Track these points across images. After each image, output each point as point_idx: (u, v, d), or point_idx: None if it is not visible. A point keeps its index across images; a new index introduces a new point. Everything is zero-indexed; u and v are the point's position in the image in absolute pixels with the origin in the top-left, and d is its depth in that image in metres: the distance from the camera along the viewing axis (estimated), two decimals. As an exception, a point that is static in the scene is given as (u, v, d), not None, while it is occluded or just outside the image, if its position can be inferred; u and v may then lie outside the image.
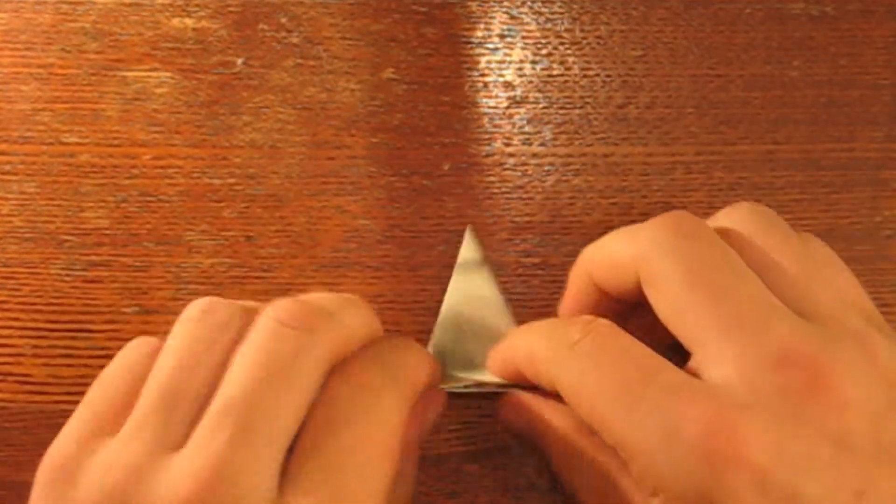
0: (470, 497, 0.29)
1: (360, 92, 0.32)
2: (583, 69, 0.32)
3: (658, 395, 0.20)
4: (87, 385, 0.30)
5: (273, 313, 0.21)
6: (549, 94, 0.32)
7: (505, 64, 0.32)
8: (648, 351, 0.21)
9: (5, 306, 0.31)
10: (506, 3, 0.33)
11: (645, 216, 0.31)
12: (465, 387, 0.27)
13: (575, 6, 0.33)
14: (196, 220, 0.31)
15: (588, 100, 0.32)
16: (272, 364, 0.20)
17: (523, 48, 0.32)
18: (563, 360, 0.22)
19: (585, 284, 0.25)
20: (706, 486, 0.18)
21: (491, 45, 0.32)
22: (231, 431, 0.19)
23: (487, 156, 0.32)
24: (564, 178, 0.32)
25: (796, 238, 0.23)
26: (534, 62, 0.32)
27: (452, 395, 0.27)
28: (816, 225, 0.31)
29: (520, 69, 0.32)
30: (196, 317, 0.22)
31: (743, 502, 0.18)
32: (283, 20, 0.32)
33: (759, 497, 0.18)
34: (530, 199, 0.32)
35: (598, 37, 0.32)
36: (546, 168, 0.32)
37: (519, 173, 0.32)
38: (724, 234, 0.22)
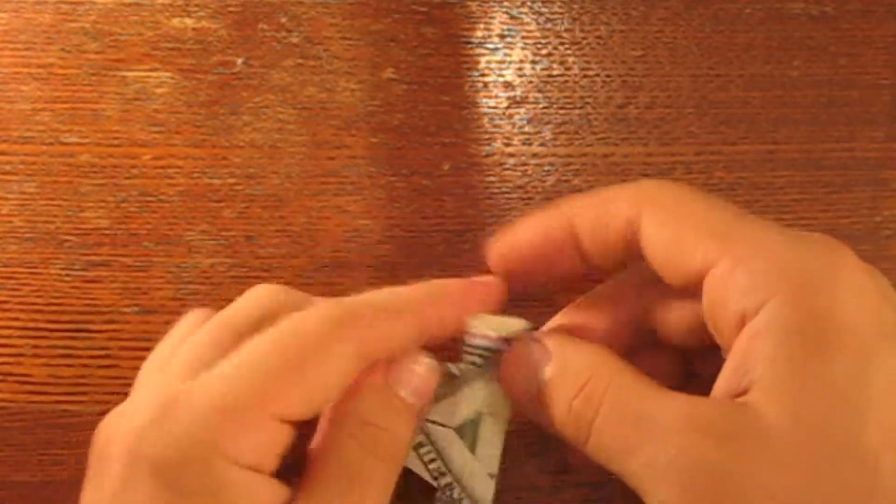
0: (470, 497, 0.29)
1: (360, 92, 0.32)
2: (583, 69, 0.32)
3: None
4: (87, 385, 0.30)
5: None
6: (549, 94, 0.32)
7: (505, 64, 0.32)
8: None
9: (5, 306, 0.31)
10: (506, 3, 0.33)
11: (645, 216, 0.31)
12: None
13: (575, 6, 0.33)
14: (196, 220, 0.31)
15: (588, 100, 0.32)
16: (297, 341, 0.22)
17: (523, 48, 0.32)
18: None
19: (558, 231, 0.24)
20: None
21: (491, 45, 0.32)
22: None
23: (487, 156, 0.32)
24: (564, 178, 0.32)
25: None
26: (534, 62, 0.32)
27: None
28: (816, 225, 0.31)
29: (520, 69, 0.32)
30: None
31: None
32: (283, 20, 0.32)
33: None
34: (530, 199, 0.32)
35: (598, 37, 0.32)
36: (546, 168, 0.32)
37: (519, 173, 0.32)
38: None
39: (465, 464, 0.25)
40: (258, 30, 0.32)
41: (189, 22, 0.33)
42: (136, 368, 0.30)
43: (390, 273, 0.31)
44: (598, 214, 0.24)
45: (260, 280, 0.30)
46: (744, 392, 0.20)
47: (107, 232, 0.31)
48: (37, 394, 0.30)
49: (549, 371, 0.23)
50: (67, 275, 0.31)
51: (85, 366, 0.30)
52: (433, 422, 0.25)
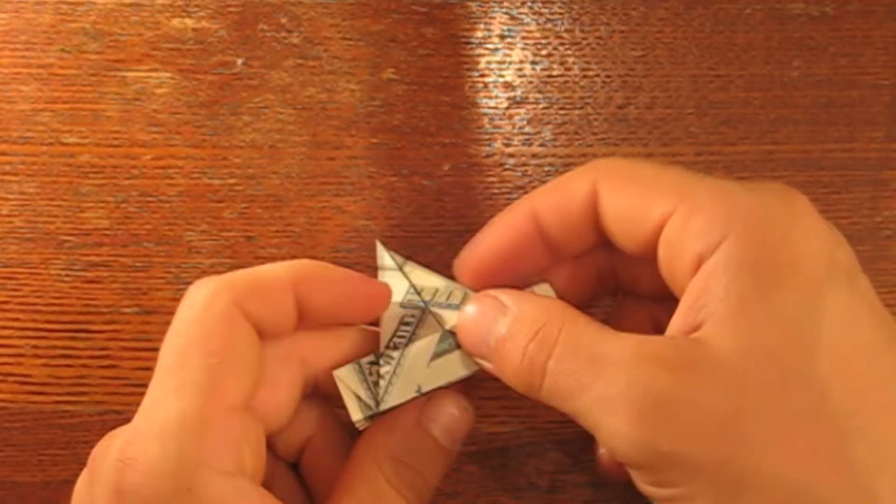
0: (470, 497, 0.30)
1: (360, 92, 0.32)
2: (583, 69, 0.32)
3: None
4: (87, 385, 0.30)
5: None
6: (549, 95, 0.32)
7: (505, 64, 0.32)
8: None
9: (5, 306, 0.31)
10: (506, 4, 0.33)
11: (645, 216, 0.31)
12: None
13: (575, 6, 0.33)
14: (196, 220, 0.31)
15: (588, 100, 0.32)
16: None
17: (523, 48, 0.32)
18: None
19: (524, 225, 0.25)
20: None
21: (491, 46, 0.32)
22: None
23: (487, 156, 0.32)
24: (564, 178, 0.32)
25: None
26: (534, 62, 0.32)
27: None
28: (816, 225, 0.31)
29: (520, 69, 0.32)
30: None
31: None
32: (283, 20, 0.33)
33: None
34: (530, 199, 0.32)
35: (598, 37, 0.32)
36: (546, 168, 0.32)
37: (519, 174, 0.32)
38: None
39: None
40: (258, 30, 0.32)
41: (189, 22, 0.33)
42: (136, 369, 0.30)
43: (390, 273, 0.31)
44: (559, 199, 0.24)
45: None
46: (697, 328, 0.20)
47: (107, 232, 0.31)
48: (37, 394, 0.30)
49: (505, 323, 0.23)
50: (67, 275, 0.31)
51: (85, 366, 0.30)
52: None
